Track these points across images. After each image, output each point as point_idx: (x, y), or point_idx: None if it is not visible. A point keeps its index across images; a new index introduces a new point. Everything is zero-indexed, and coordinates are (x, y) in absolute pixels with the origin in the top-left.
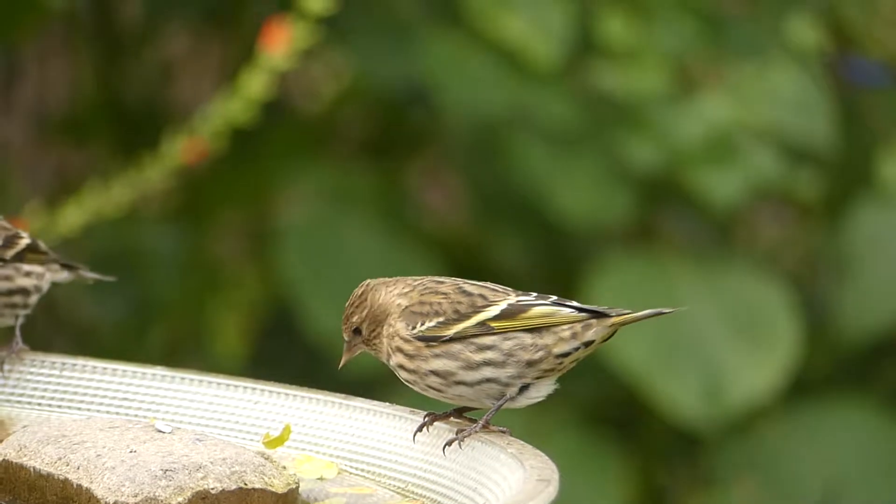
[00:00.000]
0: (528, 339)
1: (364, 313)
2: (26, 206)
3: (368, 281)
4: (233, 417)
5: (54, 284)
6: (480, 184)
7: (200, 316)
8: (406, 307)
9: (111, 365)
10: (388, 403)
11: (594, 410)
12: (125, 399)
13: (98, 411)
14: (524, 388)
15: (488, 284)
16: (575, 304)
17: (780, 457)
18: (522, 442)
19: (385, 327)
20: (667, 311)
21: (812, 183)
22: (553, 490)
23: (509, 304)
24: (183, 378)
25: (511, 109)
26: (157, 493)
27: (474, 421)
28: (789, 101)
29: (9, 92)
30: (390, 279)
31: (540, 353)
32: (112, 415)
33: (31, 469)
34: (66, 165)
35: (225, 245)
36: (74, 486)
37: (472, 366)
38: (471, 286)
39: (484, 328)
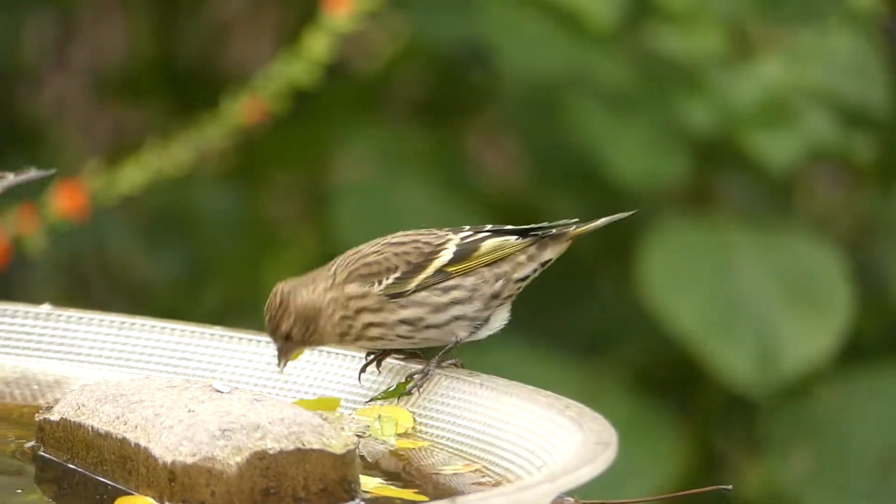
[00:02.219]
0: (486, 272)
1: (292, 319)
2: (84, 165)
3: (280, 286)
4: (290, 378)
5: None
6: (537, 145)
7: (256, 276)
8: (346, 278)
9: (169, 324)
10: (448, 366)
11: (646, 376)
12: (183, 359)
13: (156, 371)
14: (485, 321)
15: (410, 232)
16: (515, 227)
17: (836, 423)
18: (580, 405)
19: (321, 319)
20: (623, 216)
21: (867, 146)
22: (612, 453)
23: (458, 246)
24: (241, 338)
25: (568, 71)
26: (214, 453)
27: (417, 356)
28: (845, 64)
29: (65, 51)
30: (303, 277)
31: (500, 283)
32: (170, 374)
33: (89, 428)
34: (124, 124)
35: (281, 205)
36: (132, 445)
37: (439, 308)
38: (397, 237)
39: (443, 275)
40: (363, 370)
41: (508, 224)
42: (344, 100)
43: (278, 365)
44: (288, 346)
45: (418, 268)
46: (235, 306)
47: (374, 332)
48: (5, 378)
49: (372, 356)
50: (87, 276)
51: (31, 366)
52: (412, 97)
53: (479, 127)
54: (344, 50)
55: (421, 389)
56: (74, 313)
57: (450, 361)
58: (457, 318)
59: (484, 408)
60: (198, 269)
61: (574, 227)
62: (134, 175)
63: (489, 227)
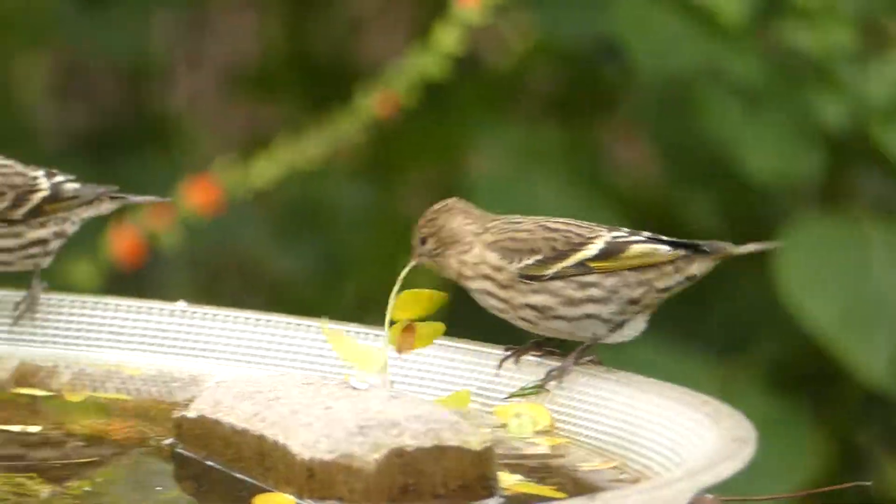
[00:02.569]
0: (630, 276)
1: (433, 230)
2: (217, 161)
3: (451, 201)
4: (427, 375)
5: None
6: (670, 141)
7: (390, 272)
8: (493, 242)
9: (304, 321)
10: (586, 363)
11: (783, 373)
12: (319, 355)
13: (292, 367)
14: (620, 325)
15: (570, 220)
16: (670, 239)
17: None
18: (718, 402)
19: (455, 252)
20: (772, 245)
21: None
22: (750, 450)
23: (607, 243)
24: (377, 335)
25: (699, 67)
26: (352, 450)
27: (555, 353)
28: None
29: (198, 46)
30: (470, 209)
31: (642, 290)
32: (306, 371)
33: (227, 425)
34: (257, 119)
35: (414, 200)
36: (270, 441)
37: (573, 302)
38: (553, 223)
39: (583, 268)
40: (501, 365)
41: (646, 227)
42: (477, 95)
43: (412, 257)
44: (420, 250)
45: (561, 255)
46: (371, 302)
47: (492, 302)
48: (142, 375)
49: (510, 351)
50: (222, 272)
51: (167, 363)
52: (545, 93)
53: (612, 123)
54: (476, 45)
55: (558, 385)
56: (209, 310)
57: (587, 359)
58: (589, 315)
59: (621, 405)
60: (332, 264)
61: (725, 248)
62: (267, 170)
63: (646, 234)
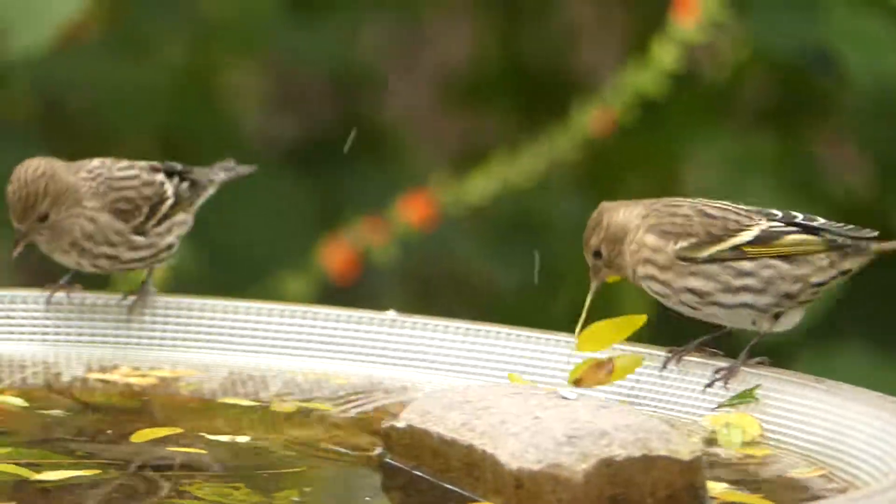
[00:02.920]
0: (785, 268)
1: (602, 235)
2: (432, 174)
3: (604, 203)
4: (637, 385)
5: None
6: (883, 148)
7: (606, 285)
8: (653, 224)
9: (514, 330)
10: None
11: None
12: (529, 365)
13: (501, 377)
14: (775, 317)
15: (729, 205)
16: (824, 226)
17: None
18: None
19: (626, 244)
20: None
21: None
22: None
23: (762, 231)
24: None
25: None
26: (560, 460)
27: (717, 354)
28: None
29: (413, 59)
30: (627, 201)
31: (798, 286)
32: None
33: (435, 434)
34: (471, 133)
35: None
36: (479, 451)
37: (730, 289)
38: (711, 208)
39: (738, 253)
40: (665, 366)
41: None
42: (691, 108)
43: (593, 280)
44: (597, 265)
45: (716, 239)
46: (588, 315)
47: (655, 287)
48: (352, 384)
49: (672, 353)
50: (435, 285)
51: (377, 372)
52: (758, 104)
53: (826, 132)
54: (691, 58)
55: (727, 385)
56: (420, 319)
57: (756, 360)
58: (745, 304)
59: (830, 414)
60: (545, 277)
61: (875, 242)
62: (482, 184)
63: (800, 216)
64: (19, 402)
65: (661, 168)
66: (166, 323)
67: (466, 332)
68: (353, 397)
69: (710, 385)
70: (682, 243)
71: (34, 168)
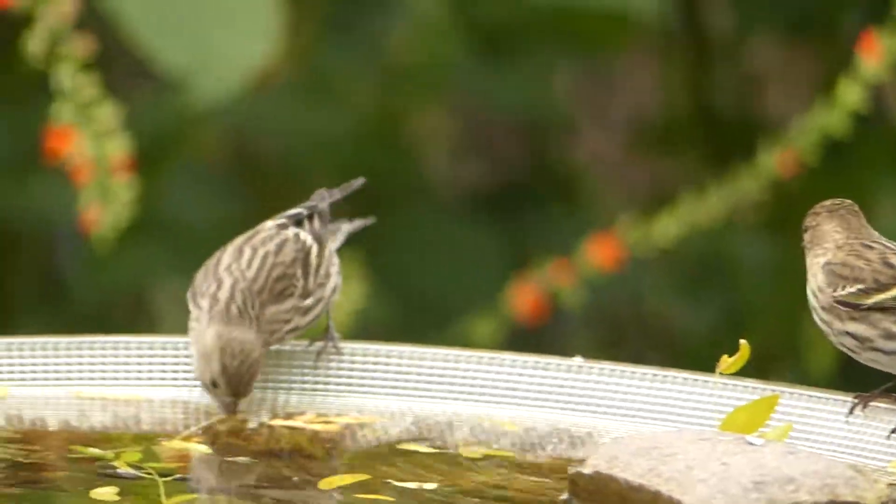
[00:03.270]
0: None
1: (812, 224)
2: (620, 217)
3: (841, 203)
4: (823, 430)
5: None
6: None
7: (793, 326)
8: (828, 262)
9: (701, 376)
10: None
11: None
12: (715, 411)
13: (688, 423)
14: None
15: (887, 243)
16: None
17: None
18: None
19: (813, 255)
20: None
21: None
22: None
23: None
24: (774, 390)
25: None
26: None
27: None
28: None
29: (603, 104)
30: (853, 220)
31: None
32: (702, 427)
33: (622, 480)
34: (659, 175)
35: None
36: (665, 497)
37: (891, 336)
38: (875, 246)
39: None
40: (851, 412)
41: None
42: (879, 149)
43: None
44: (804, 237)
45: (883, 287)
46: (776, 358)
47: (816, 319)
48: (538, 431)
49: (859, 399)
50: (622, 328)
51: (563, 418)
52: None
53: None
54: (878, 98)
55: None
56: (606, 365)
57: None
58: None
59: None
60: (733, 319)
61: None
62: (669, 226)
63: None
64: (205, 448)
65: None
66: (352, 369)
67: (653, 377)
68: (538, 443)
69: (894, 430)
70: (849, 289)
71: (248, 346)
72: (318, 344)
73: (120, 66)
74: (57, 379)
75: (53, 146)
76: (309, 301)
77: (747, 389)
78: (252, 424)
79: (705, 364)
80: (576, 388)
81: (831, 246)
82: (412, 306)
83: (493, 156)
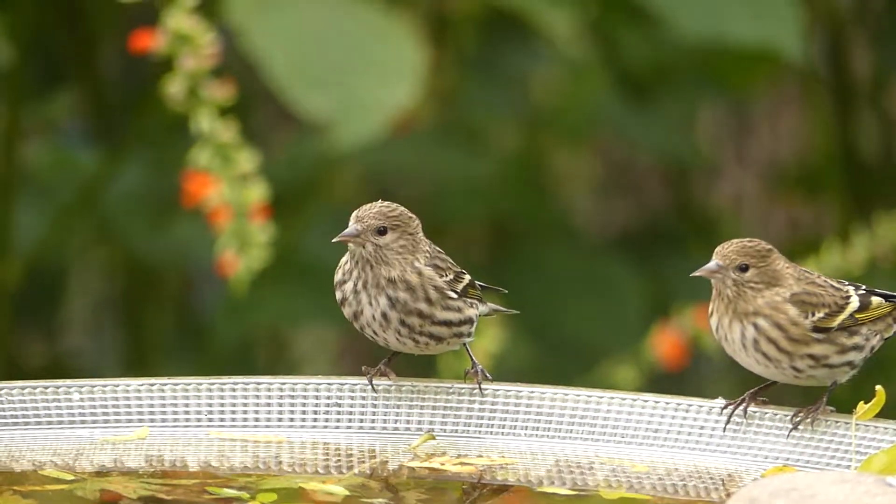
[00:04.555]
0: (871, 326)
1: (761, 264)
2: None
3: (768, 244)
4: None
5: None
6: None
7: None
8: (795, 294)
9: (843, 418)
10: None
11: None
12: (858, 452)
13: (827, 465)
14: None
15: (819, 275)
16: (881, 292)
17: None
18: None
19: (768, 292)
20: None
21: None
22: None
23: (860, 297)
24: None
25: None
26: None
27: (767, 402)
28: None
29: (743, 145)
30: (784, 258)
31: (877, 339)
32: (843, 469)
33: None
34: (798, 219)
35: None
36: None
37: (844, 350)
38: (818, 278)
39: (853, 320)
40: (728, 421)
41: None
42: None
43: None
44: (733, 274)
45: (840, 309)
46: None
47: (768, 350)
48: (680, 473)
49: (730, 406)
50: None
51: (703, 460)
52: None
53: None
54: None
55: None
56: (750, 408)
57: (830, 408)
58: (849, 363)
59: None
60: (875, 364)
61: None
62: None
63: (863, 287)
64: (342, 490)
65: None
66: (494, 410)
67: (791, 420)
68: (679, 484)
69: (795, 427)
70: (819, 314)
71: (405, 209)
72: (470, 372)
73: (261, 111)
74: (198, 420)
75: (192, 189)
76: (454, 300)
77: (888, 432)
78: (392, 466)
79: (844, 408)
80: (717, 429)
81: (791, 281)
82: (553, 349)
83: (636, 197)
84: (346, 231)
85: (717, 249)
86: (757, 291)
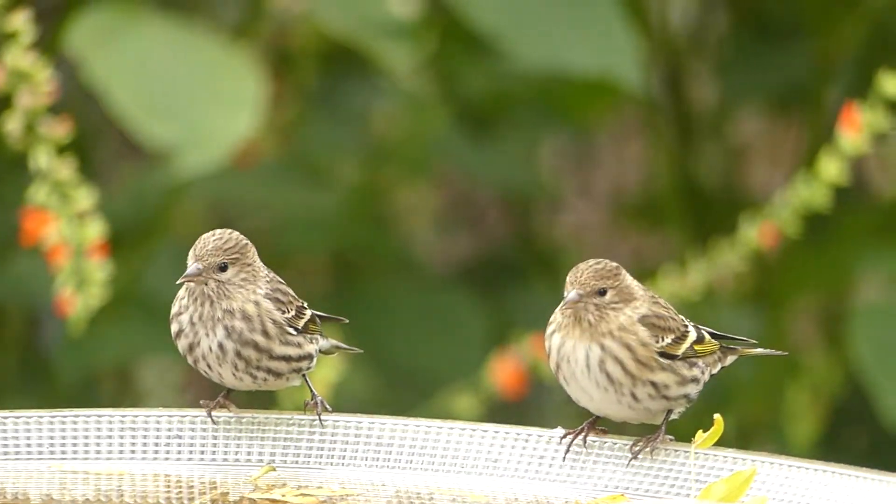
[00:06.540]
0: (704, 360)
1: (616, 283)
2: None
3: (619, 269)
4: (803, 500)
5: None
6: None
7: (777, 399)
8: (644, 316)
9: (682, 448)
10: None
11: None
12: (697, 480)
13: (668, 494)
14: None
15: (664, 302)
16: (711, 331)
17: None
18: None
19: (629, 309)
20: (778, 353)
21: None
22: None
23: (696, 329)
24: (754, 460)
25: None
26: None
27: (607, 432)
28: None
29: (586, 175)
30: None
31: (707, 373)
32: (684, 497)
33: None
34: (642, 249)
35: (798, 328)
36: None
37: (684, 381)
38: (663, 302)
39: (692, 350)
40: (567, 451)
41: None
42: (863, 222)
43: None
44: (594, 299)
45: (683, 336)
46: (759, 430)
47: (614, 371)
48: (519, 502)
49: (570, 435)
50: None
51: (543, 490)
52: None
53: None
54: (859, 172)
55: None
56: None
57: (670, 437)
58: (685, 395)
59: None
60: (715, 392)
61: (746, 347)
62: None
63: (691, 323)
64: None
65: (830, 283)
66: (334, 441)
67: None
68: None
69: (635, 456)
70: (667, 339)
71: (238, 234)
72: (310, 404)
73: (103, 144)
74: (39, 452)
75: (30, 227)
76: (292, 336)
77: (727, 460)
78: (233, 497)
79: (684, 437)
80: (556, 459)
81: (641, 301)
82: (393, 379)
83: (478, 229)
84: (188, 272)
85: (570, 278)
86: (618, 311)
